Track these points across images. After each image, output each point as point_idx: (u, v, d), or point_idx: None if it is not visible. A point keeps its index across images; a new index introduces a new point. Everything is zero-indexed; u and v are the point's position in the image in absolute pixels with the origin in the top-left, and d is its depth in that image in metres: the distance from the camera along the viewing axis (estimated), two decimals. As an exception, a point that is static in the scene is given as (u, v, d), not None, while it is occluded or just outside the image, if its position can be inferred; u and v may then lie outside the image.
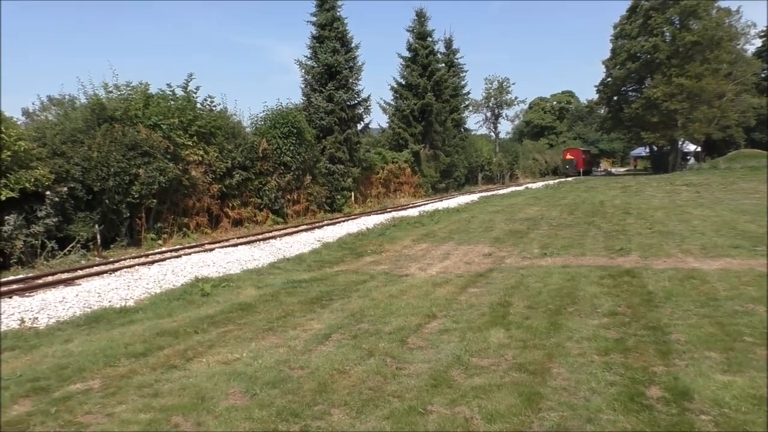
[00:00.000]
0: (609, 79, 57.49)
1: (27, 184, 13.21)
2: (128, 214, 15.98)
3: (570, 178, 55.82)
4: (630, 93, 57.58)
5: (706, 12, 49.31)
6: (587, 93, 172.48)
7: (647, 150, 65.08)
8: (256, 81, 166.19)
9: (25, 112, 27.11)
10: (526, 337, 5.95)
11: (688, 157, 61.13)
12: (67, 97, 18.53)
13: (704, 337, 5.71)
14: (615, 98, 58.32)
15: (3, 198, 12.68)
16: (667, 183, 34.24)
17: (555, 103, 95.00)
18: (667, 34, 50.94)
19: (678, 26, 50.86)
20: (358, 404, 4.43)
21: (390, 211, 25.54)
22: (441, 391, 4.64)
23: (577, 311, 6.95)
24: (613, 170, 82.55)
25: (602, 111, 64.03)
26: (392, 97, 37.55)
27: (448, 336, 6.16)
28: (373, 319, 7.00)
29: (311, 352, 5.81)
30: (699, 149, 62.45)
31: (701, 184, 31.47)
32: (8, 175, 12.99)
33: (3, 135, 13.08)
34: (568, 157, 65.75)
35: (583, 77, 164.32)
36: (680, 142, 55.27)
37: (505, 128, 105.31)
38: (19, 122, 17.07)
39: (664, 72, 49.82)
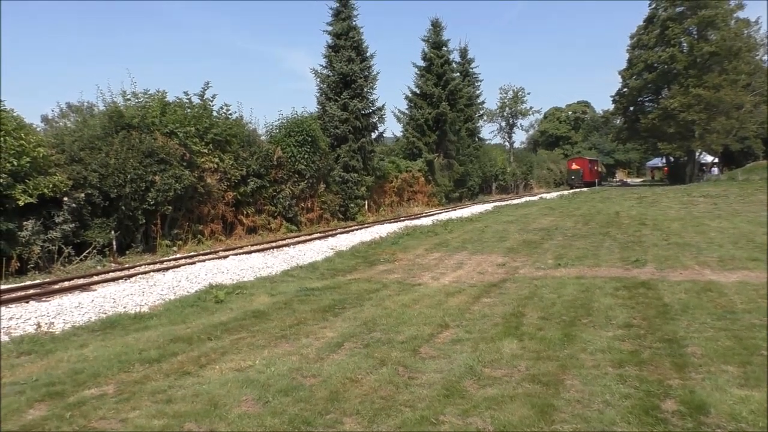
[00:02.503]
0: (625, 90, 57.12)
1: (45, 190, 13.39)
2: (144, 221, 16.12)
3: (585, 189, 55.24)
4: (646, 103, 57.17)
5: (725, 22, 48.85)
6: (603, 103, 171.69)
7: (663, 161, 64.36)
8: (272, 88, 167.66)
9: (45, 119, 27.57)
10: (540, 348, 5.91)
11: (710, 168, 60.28)
12: (85, 104, 18.86)
13: (721, 351, 5.64)
14: (631, 108, 57.92)
15: (22, 203, 12.85)
16: (684, 194, 33.91)
17: (570, 113, 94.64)
18: (685, 44, 50.56)
19: (696, 37, 50.46)
20: (370, 413, 4.42)
21: (403, 220, 25.53)
22: (453, 401, 4.62)
23: (592, 323, 6.89)
24: (629, 180, 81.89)
25: (618, 121, 63.46)
26: (406, 106, 37.71)
27: (460, 346, 6.14)
28: (386, 328, 6.99)
29: (323, 360, 5.81)
30: (716, 160, 61.79)
31: (719, 195, 31.12)
32: (27, 180, 13.18)
33: (23, 141, 13.28)
34: (574, 167, 62.98)
35: (599, 87, 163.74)
36: (697, 153, 54.71)
37: (520, 138, 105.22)
38: (38, 129, 17.34)
39: (681, 82, 49.42)
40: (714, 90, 46.79)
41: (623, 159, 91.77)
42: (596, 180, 64.75)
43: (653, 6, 54.07)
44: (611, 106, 61.81)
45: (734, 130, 50.86)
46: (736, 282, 9.06)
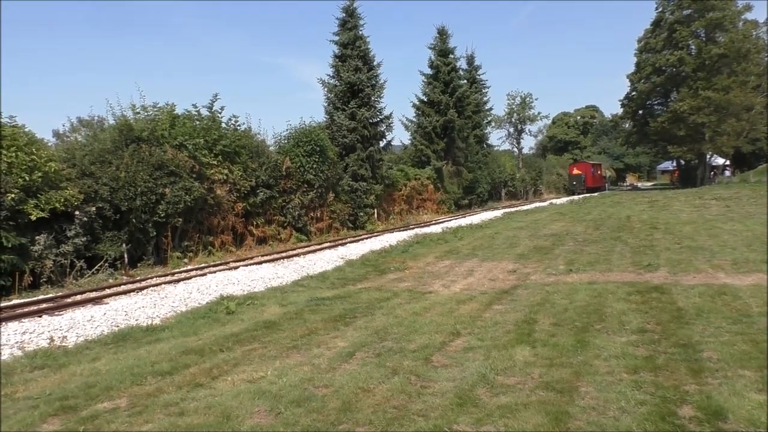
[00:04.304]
0: (634, 93, 56.85)
1: (57, 204, 13.49)
2: (155, 233, 16.19)
3: (596, 194, 54.78)
4: (655, 107, 56.85)
5: (733, 24, 48.58)
6: (612, 107, 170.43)
7: (674, 164, 63.83)
8: (280, 99, 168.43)
9: (56, 134, 27.92)
10: (553, 355, 5.86)
11: (722, 170, 59.73)
12: (96, 118, 19.00)
13: (737, 355, 5.57)
14: (640, 112, 57.58)
15: (34, 218, 12.95)
16: (696, 197, 33.67)
17: (579, 117, 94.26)
18: (693, 47, 50.32)
19: (704, 39, 50.22)
20: (383, 423, 4.39)
21: (413, 228, 25.48)
22: (466, 410, 4.58)
23: (605, 328, 6.83)
24: (640, 184, 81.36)
25: (627, 125, 62.97)
26: (414, 114, 37.73)
27: (472, 354, 6.10)
28: (397, 336, 6.96)
29: (335, 370, 5.79)
30: (728, 163, 61.29)
31: (731, 198, 30.86)
32: (39, 195, 13.29)
33: (34, 156, 13.40)
34: (575, 172, 59.49)
35: (607, 92, 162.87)
36: (708, 156, 54.30)
37: (528, 144, 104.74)
38: (49, 143, 17.50)
39: (690, 85, 49.12)
40: (723, 92, 46.49)
41: (633, 163, 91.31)
42: (600, 185, 62.00)
43: (660, 9, 53.92)
44: (620, 110, 61.53)
45: (745, 131, 50.43)
46: (751, 285, 8.96)
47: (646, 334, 6.49)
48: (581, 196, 50.88)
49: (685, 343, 6.06)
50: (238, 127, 20.92)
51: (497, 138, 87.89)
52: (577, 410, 4.46)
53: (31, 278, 12.96)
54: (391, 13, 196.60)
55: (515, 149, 62.54)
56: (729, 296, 8.22)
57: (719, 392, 4.66)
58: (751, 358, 5.47)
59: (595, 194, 52.90)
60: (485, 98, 47.36)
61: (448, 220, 29.32)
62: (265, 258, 16.98)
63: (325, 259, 16.11)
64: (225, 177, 18.86)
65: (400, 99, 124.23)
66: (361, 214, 26.92)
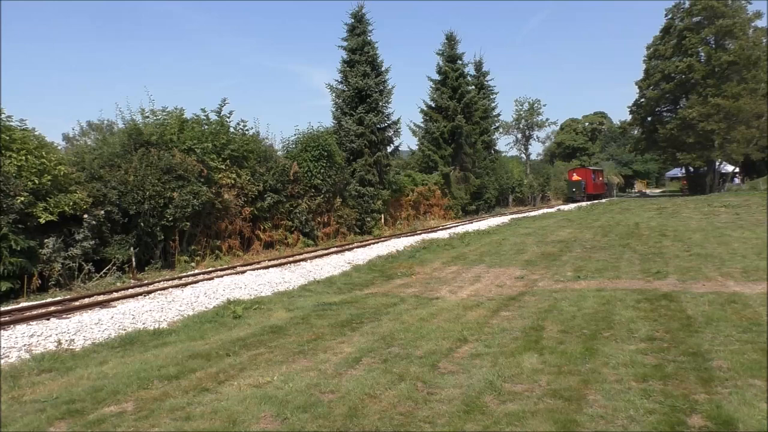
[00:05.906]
0: (642, 100, 56.67)
1: (66, 208, 13.55)
2: (162, 237, 16.25)
3: (604, 200, 54.48)
4: (664, 113, 56.61)
5: (743, 32, 48.44)
6: (620, 114, 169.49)
7: (683, 171, 63.49)
8: (288, 105, 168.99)
9: (66, 137, 28.11)
10: (561, 363, 5.82)
11: (732, 178, 59.30)
12: (105, 122, 19.10)
13: (748, 364, 5.51)
14: (649, 119, 57.38)
15: (43, 221, 13.02)
16: (705, 204, 33.47)
17: (587, 124, 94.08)
18: (702, 54, 50.16)
19: (713, 46, 50.08)
20: (389, 430, 4.37)
21: (420, 234, 25.45)
22: (473, 417, 4.55)
23: (613, 336, 6.79)
24: (648, 191, 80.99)
25: (636, 132, 62.71)
26: (422, 120, 37.73)
27: (480, 360, 6.07)
28: (404, 342, 6.94)
29: (342, 375, 5.77)
30: (737, 170, 60.93)
31: (740, 205, 30.66)
32: (48, 198, 13.36)
33: (44, 159, 13.50)
34: (575, 178, 56.80)
35: (616, 98, 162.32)
36: (717, 163, 54.02)
37: (536, 150, 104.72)
38: (59, 147, 17.60)
39: (699, 92, 48.95)
40: (733, 99, 46.30)
41: (641, 170, 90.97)
42: (602, 192, 60.00)
43: (670, 16, 53.82)
44: (628, 117, 61.31)
45: (755, 139, 50.11)
46: (761, 293, 8.88)
47: (654, 342, 6.44)
48: (589, 202, 50.53)
49: (694, 351, 6.01)
50: (247, 132, 20.98)
51: (505, 144, 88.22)
52: (585, 418, 4.43)
53: (40, 281, 13.02)
54: (400, 19, 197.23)
55: (523, 155, 62.69)
56: (739, 304, 8.15)
57: (729, 401, 4.62)
58: (761, 367, 5.42)
59: (603, 201, 52.60)
60: (493, 104, 47.40)
61: (455, 226, 29.27)
62: (273, 262, 16.99)
63: (332, 264, 16.11)
64: (233, 181, 18.91)
65: (407, 104, 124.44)
66: (368, 219, 26.90)
